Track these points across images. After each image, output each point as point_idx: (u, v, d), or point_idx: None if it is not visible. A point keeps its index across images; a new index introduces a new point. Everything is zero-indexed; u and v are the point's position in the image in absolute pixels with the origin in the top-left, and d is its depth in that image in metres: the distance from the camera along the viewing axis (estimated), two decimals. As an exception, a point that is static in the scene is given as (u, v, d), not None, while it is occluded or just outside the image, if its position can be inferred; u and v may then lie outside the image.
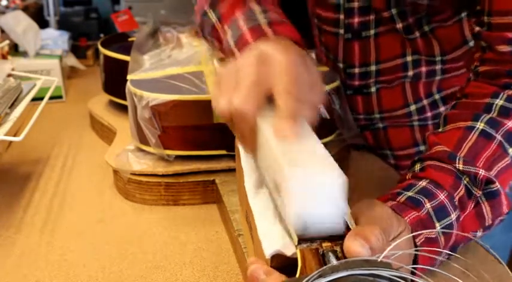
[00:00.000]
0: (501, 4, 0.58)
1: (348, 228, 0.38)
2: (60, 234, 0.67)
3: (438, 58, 0.80)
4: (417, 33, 0.78)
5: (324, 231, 0.37)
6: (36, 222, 0.70)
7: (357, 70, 0.83)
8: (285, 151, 0.41)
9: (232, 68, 0.50)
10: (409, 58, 0.81)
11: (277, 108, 0.45)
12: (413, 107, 0.84)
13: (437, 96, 0.84)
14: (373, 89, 0.85)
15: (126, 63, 0.88)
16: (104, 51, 0.99)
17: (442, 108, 0.84)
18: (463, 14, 0.77)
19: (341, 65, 0.84)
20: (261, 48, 0.50)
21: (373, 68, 0.82)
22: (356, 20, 0.79)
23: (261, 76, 0.47)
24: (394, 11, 0.76)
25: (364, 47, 0.81)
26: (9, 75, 0.91)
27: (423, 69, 0.81)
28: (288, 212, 0.38)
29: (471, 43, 0.79)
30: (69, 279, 0.58)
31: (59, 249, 0.64)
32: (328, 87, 0.77)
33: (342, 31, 0.81)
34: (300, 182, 0.37)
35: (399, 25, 0.77)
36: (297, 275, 0.35)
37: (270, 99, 0.47)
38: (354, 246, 0.36)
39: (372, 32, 0.80)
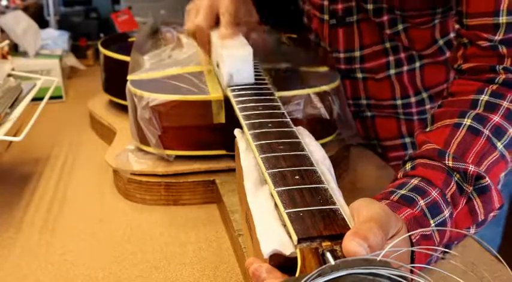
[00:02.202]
0: (474, 7, 0.61)
1: (347, 227, 0.39)
2: (60, 234, 0.67)
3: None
4: (388, 31, 0.81)
5: (242, 80, 0.68)
6: (36, 222, 0.70)
7: (341, 55, 0.87)
8: (223, 45, 0.70)
9: (196, 2, 0.76)
10: (387, 44, 0.84)
11: (220, 23, 0.73)
12: (399, 102, 0.86)
13: (424, 95, 0.86)
14: (359, 75, 0.88)
15: (126, 63, 0.88)
16: (104, 51, 0.99)
17: (427, 106, 0.87)
18: (437, 21, 0.79)
19: (328, 49, 0.88)
20: None
21: (357, 53, 0.86)
22: (340, 6, 0.83)
23: (212, 4, 0.74)
24: (370, 6, 0.79)
25: (348, 33, 0.85)
26: (9, 75, 0.91)
27: (402, 55, 0.84)
28: (222, 74, 0.68)
29: (440, 41, 0.82)
30: (69, 279, 0.58)
31: (59, 249, 0.64)
32: (328, 87, 0.77)
33: (326, 17, 0.85)
34: (227, 55, 0.68)
35: (372, 19, 0.80)
36: (297, 274, 0.35)
37: (219, 20, 0.74)
38: (352, 246, 0.36)
39: (355, 17, 0.83)
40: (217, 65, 0.72)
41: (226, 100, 0.70)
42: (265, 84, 0.68)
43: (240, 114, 0.59)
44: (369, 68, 0.86)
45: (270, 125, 0.55)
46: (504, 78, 0.60)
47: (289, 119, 0.57)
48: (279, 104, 0.62)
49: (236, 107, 0.61)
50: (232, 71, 0.67)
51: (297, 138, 0.53)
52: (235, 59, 0.68)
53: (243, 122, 0.57)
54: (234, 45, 0.70)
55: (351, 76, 0.89)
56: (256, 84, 0.68)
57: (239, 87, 0.67)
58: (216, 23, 0.75)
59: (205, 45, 0.76)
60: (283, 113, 0.59)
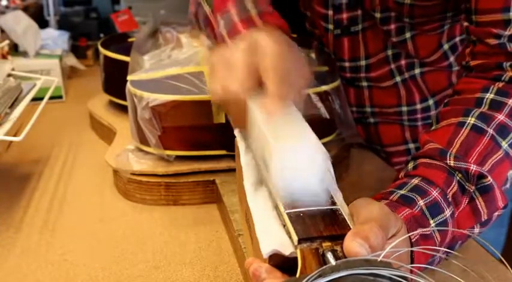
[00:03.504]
0: (484, 3, 0.61)
1: (347, 228, 0.38)
2: (60, 234, 0.67)
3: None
4: (394, 39, 0.80)
5: (309, 203, 0.40)
6: (36, 222, 0.70)
7: (347, 64, 0.86)
8: (272, 129, 0.43)
9: (225, 55, 0.53)
10: (389, 52, 0.83)
11: (266, 90, 0.48)
12: (404, 109, 0.86)
13: (431, 102, 0.85)
14: (364, 84, 0.86)
15: (126, 63, 0.88)
16: (103, 51, 0.99)
17: (432, 112, 0.86)
18: (446, 26, 0.78)
19: (333, 56, 0.87)
20: (251, 36, 0.53)
21: (362, 62, 0.84)
22: (344, 15, 0.81)
23: (251, 61, 0.51)
24: (378, 14, 0.78)
25: (353, 43, 0.83)
26: (9, 75, 0.91)
27: (403, 62, 0.83)
28: (275, 185, 0.41)
29: (445, 46, 0.81)
30: (69, 279, 0.58)
31: (59, 249, 0.64)
32: (328, 87, 0.77)
33: (331, 27, 0.83)
34: (285, 157, 0.40)
35: (379, 27, 0.79)
36: (297, 275, 0.35)
37: (260, 82, 0.50)
38: (354, 246, 0.36)
39: (360, 26, 0.82)
40: (262, 160, 0.46)
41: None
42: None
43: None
44: (374, 77, 0.85)
45: None
46: (511, 76, 0.60)
47: None
48: None
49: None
50: (291, 187, 0.40)
51: None
52: (297, 167, 0.40)
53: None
54: (290, 132, 0.45)
55: (355, 84, 0.88)
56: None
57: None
58: (256, 85, 0.51)
59: (240, 118, 0.52)
60: None
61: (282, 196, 0.40)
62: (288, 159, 0.40)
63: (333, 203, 0.40)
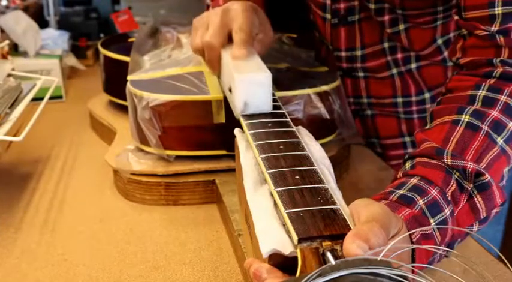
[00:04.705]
0: (470, 0, 0.62)
1: (347, 227, 0.39)
2: (60, 234, 0.67)
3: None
4: (389, 31, 0.81)
5: (257, 108, 0.59)
6: (36, 222, 0.70)
7: (343, 54, 0.87)
8: (236, 66, 0.62)
9: (205, 17, 0.70)
10: (386, 44, 0.84)
11: (234, 41, 0.66)
12: (400, 100, 0.87)
13: (427, 95, 0.86)
14: (360, 74, 0.88)
15: (126, 63, 0.88)
16: (103, 51, 0.99)
17: (428, 105, 0.87)
18: (439, 22, 0.79)
19: (330, 47, 0.88)
20: (226, 5, 0.69)
21: (358, 52, 0.86)
22: (342, 5, 0.83)
23: (223, 21, 0.67)
24: (372, 5, 0.79)
25: (350, 32, 0.85)
26: (9, 75, 0.91)
27: (399, 55, 0.85)
28: (235, 99, 0.59)
29: (439, 41, 0.82)
30: (69, 279, 0.58)
31: (59, 249, 0.64)
32: (328, 87, 0.77)
33: (328, 16, 0.85)
34: (242, 80, 0.59)
35: (374, 18, 0.81)
36: (297, 274, 0.35)
37: (230, 38, 0.68)
38: (353, 248, 0.35)
39: (357, 17, 0.83)
40: (230, 89, 0.63)
41: (226, 100, 0.70)
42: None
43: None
44: (370, 68, 0.86)
45: (269, 124, 0.55)
46: (501, 72, 0.60)
47: (289, 119, 0.57)
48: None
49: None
50: (246, 98, 0.59)
51: (297, 138, 0.53)
52: (250, 85, 0.59)
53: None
54: (249, 67, 0.62)
55: (352, 75, 0.89)
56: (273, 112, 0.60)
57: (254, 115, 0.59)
58: (228, 41, 0.68)
59: (215, 65, 0.69)
60: (283, 113, 0.59)
61: (239, 105, 0.59)
62: (244, 82, 0.59)
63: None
